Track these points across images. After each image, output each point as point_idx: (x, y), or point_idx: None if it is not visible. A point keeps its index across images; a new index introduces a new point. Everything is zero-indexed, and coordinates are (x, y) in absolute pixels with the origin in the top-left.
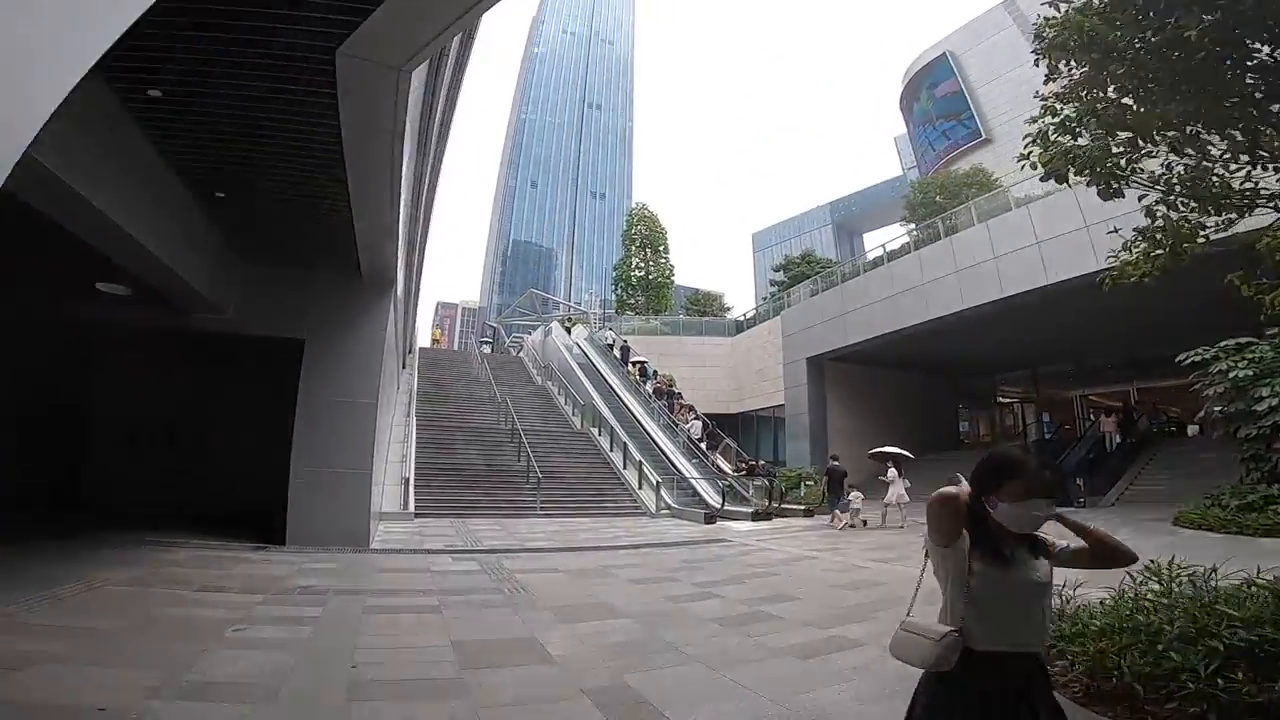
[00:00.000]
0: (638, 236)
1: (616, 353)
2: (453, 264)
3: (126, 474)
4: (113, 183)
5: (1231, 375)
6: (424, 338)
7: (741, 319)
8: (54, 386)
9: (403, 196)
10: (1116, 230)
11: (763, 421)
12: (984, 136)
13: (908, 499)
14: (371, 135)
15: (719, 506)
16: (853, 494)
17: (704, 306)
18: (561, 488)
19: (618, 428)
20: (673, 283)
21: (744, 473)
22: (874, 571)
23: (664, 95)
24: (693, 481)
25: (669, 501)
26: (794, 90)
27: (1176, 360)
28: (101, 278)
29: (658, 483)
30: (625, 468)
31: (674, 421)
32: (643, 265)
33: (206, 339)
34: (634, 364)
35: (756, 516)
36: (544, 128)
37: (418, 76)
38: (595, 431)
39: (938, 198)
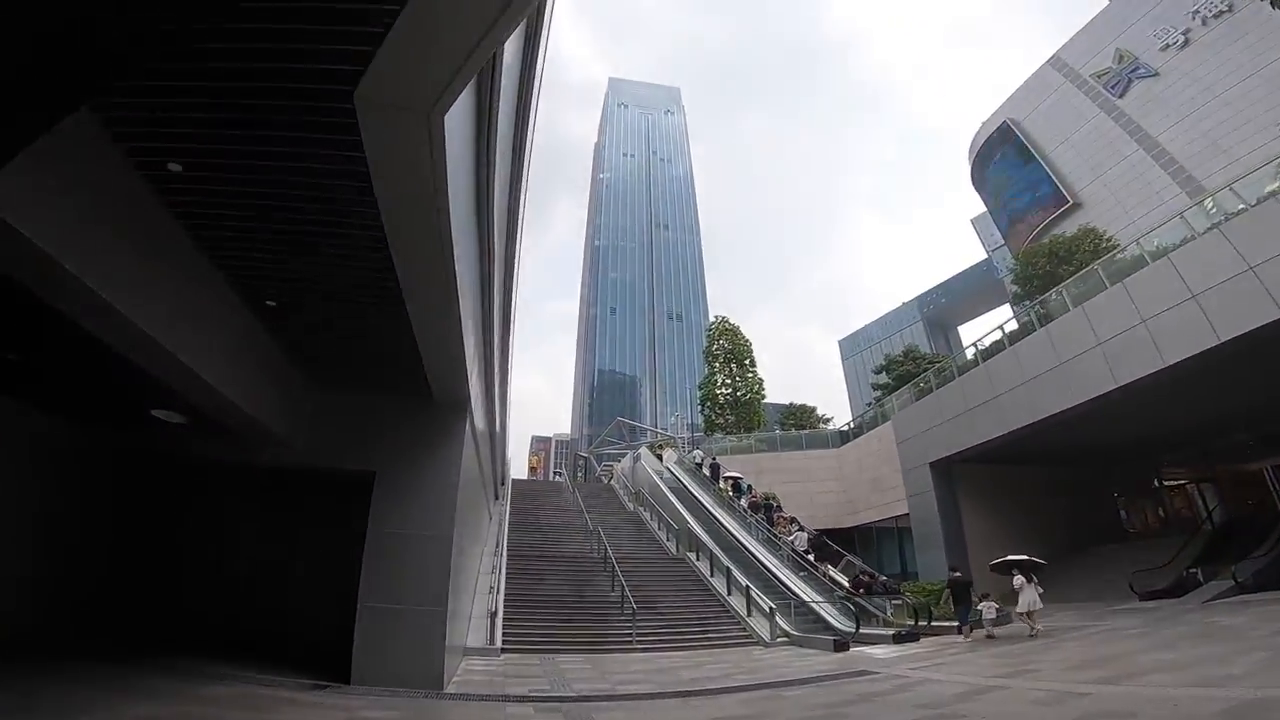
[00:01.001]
0: (720, 352)
1: (706, 471)
2: (547, 401)
3: (208, 599)
4: (143, 284)
5: None
6: (520, 470)
7: (846, 428)
8: (145, 509)
9: (465, 297)
10: None
11: (884, 534)
12: (1071, 202)
13: (1040, 605)
14: (410, 203)
15: (852, 631)
16: (984, 604)
17: (800, 420)
18: (659, 618)
19: (717, 550)
20: (763, 397)
21: (861, 590)
22: (1100, 698)
23: (723, 211)
24: (813, 605)
25: (786, 628)
26: (851, 189)
27: None
28: (156, 403)
29: (771, 608)
30: (730, 593)
31: (775, 535)
32: (729, 381)
33: (278, 472)
34: (726, 479)
35: (900, 638)
36: (617, 252)
37: (460, 145)
38: (693, 556)
39: (1046, 266)
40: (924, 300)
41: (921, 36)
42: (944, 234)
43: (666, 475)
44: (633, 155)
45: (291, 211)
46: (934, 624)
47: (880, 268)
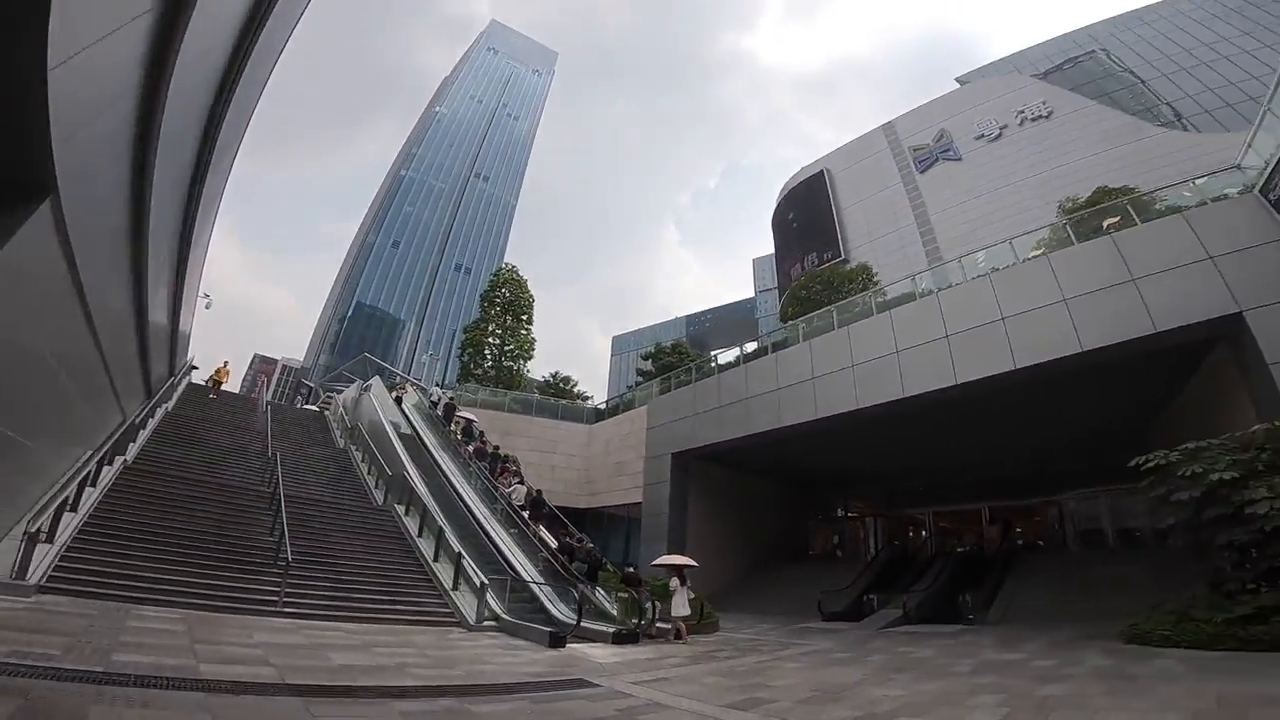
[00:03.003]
0: (500, 300)
1: (439, 411)
2: (288, 321)
3: None
4: None
5: (1213, 477)
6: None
7: (603, 406)
8: None
9: None
10: None
11: (614, 520)
12: (843, 257)
13: (687, 611)
14: None
15: (572, 623)
16: (649, 604)
17: (559, 390)
18: (330, 579)
19: (431, 505)
20: (531, 357)
21: (567, 556)
22: None
23: (548, 185)
24: (533, 585)
25: (497, 610)
26: (669, 201)
27: (1135, 465)
28: None
29: (483, 583)
30: (437, 559)
31: (494, 486)
32: (500, 332)
33: None
34: (458, 421)
35: (620, 638)
36: (423, 189)
37: None
38: (401, 510)
39: (821, 292)
40: (692, 319)
41: (782, 92)
42: (727, 267)
43: (395, 413)
44: (480, 101)
45: None
46: (657, 625)
47: (668, 281)
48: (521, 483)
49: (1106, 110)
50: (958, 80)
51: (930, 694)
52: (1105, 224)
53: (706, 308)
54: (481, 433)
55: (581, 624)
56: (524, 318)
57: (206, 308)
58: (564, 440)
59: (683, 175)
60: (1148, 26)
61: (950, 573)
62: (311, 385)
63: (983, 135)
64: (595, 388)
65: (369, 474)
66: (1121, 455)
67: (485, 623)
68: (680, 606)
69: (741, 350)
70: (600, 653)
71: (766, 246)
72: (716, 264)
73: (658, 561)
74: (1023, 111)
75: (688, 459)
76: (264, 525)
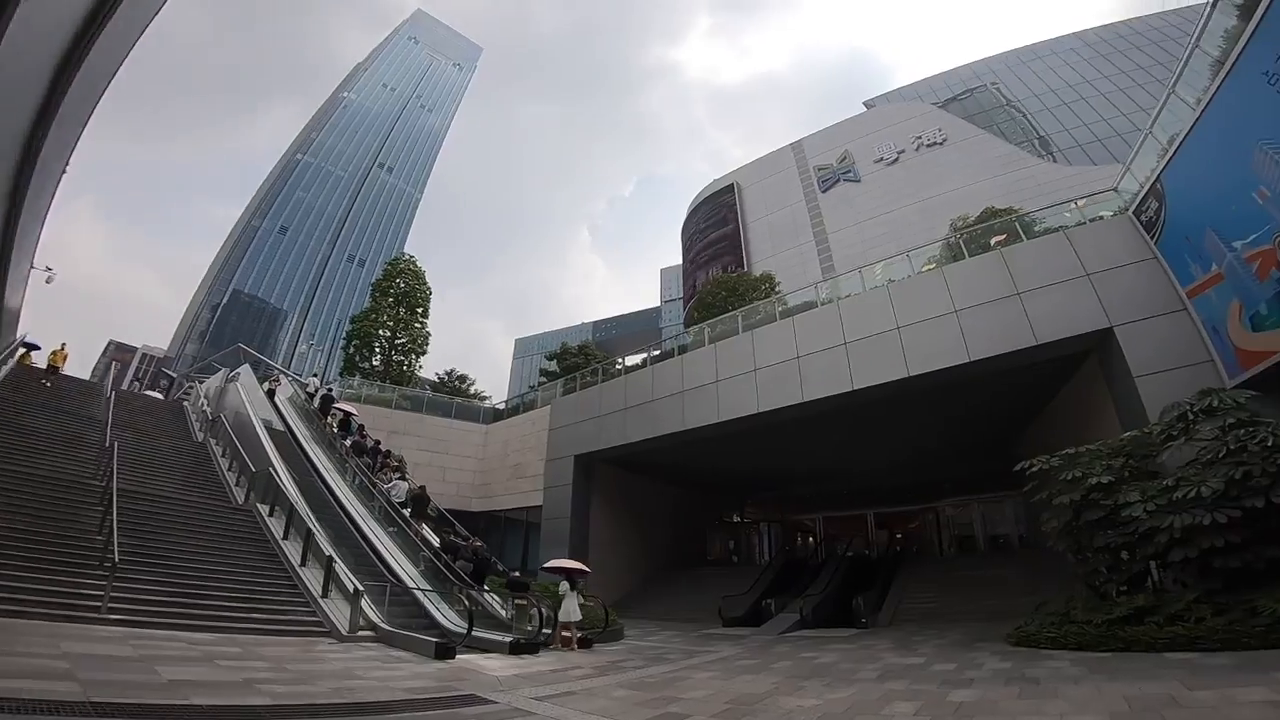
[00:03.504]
0: (394, 290)
1: (316, 403)
2: (155, 308)
3: None
4: None
5: (1090, 481)
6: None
7: (501, 406)
8: None
9: None
10: None
11: (512, 525)
12: (747, 269)
13: (579, 615)
14: None
15: (462, 632)
16: (534, 610)
17: (453, 388)
18: (172, 583)
19: (300, 503)
20: (425, 352)
21: (450, 553)
22: None
23: (456, 181)
24: (417, 592)
25: (374, 618)
26: (584, 206)
27: (1020, 469)
28: None
29: (357, 589)
30: (304, 564)
31: (373, 482)
32: (392, 325)
33: None
34: (335, 411)
35: (518, 648)
36: (320, 175)
37: None
38: (265, 509)
39: (727, 298)
40: (599, 325)
41: (701, 105)
42: (637, 276)
43: (267, 407)
44: (394, 90)
45: None
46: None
47: (577, 287)
48: (403, 478)
49: (995, 140)
50: (865, 104)
51: (844, 703)
52: (994, 240)
53: (614, 314)
54: (361, 426)
55: (474, 632)
56: (419, 310)
57: (48, 282)
58: (458, 441)
59: (599, 181)
60: (1040, 61)
61: (842, 577)
62: (173, 375)
63: (881, 159)
64: (496, 390)
65: (229, 470)
66: (994, 463)
67: (361, 632)
68: (570, 612)
69: (649, 353)
70: (496, 664)
71: (676, 257)
72: (626, 271)
73: (548, 565)
74: (920, 137)
75: (591, 461)
76: (92, 523)
